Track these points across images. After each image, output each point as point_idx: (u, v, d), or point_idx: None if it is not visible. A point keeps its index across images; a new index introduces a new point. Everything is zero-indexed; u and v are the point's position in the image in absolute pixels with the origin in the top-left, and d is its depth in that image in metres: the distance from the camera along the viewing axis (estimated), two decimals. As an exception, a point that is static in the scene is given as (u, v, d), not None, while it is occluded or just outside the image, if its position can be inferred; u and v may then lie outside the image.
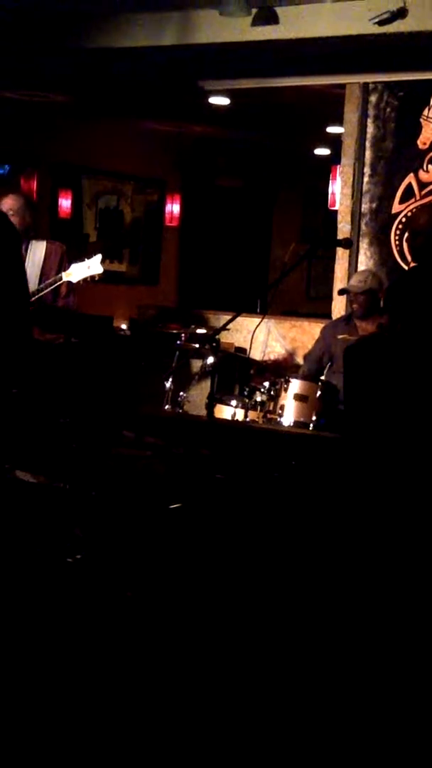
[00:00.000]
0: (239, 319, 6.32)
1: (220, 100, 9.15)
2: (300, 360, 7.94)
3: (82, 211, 10.90)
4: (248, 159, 12.19)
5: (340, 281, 7.81)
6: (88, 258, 6.31)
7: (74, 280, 6.31)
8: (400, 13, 6.48)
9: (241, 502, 4.68)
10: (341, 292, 7.32)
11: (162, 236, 11.68)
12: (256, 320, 7.20)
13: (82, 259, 6.33)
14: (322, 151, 11.56)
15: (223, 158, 12.03)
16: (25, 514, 4.43)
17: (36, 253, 6.43)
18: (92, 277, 6.32)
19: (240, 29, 6.97)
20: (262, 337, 8.10)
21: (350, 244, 7.36)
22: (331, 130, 10.05)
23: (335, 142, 9.70)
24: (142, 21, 7.37)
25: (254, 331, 6.61)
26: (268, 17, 6.82)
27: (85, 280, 6.31)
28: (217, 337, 6.21)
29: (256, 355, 7.81)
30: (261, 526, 4.53)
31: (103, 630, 3.82)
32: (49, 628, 3.80)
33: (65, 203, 10.54)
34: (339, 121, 8.41)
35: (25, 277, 4.60)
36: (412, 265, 7.43)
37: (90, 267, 6.30)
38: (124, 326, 10.11)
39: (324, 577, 4.31)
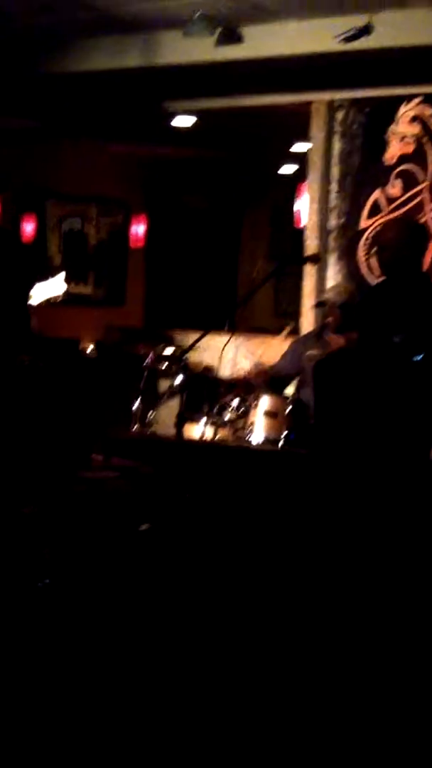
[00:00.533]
0: (208, 337, 6.29)
1: (185, 120, 9.12)
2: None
3: (45, 234, 10.84)
4: (214, 178, 12.17)
5: (308, 297, 7.80)
6: (51, 277, 6.23)
7: (35, 303, 6.21)
8: (366, 30, 6.46)
9: (211, 521, 4.64)
10: (318, 305, 7.28)
11: (127, 257, 11.63)
12: (225, 338, 7.15)
13: (45, 279, 6.24)
14: (289, 169, 11.56)
15: (188, 178, 12.00)
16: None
17: None
18: (55, 297, 6.22)
19: (204, 50, 6.94)
20: (230, 354, 8.04)
21: (318, 259, 7.36)
22: (297, 147, 10.05)
23: (301, 159, 9.71)
24: (106, 44, 7.34)
25: (223, 349, 6.55)
26: (232, 37, 6.81)
27: (48, 300, 6.22)
28: (185, 356, 6.15)
29: (225, 372, 7.74)
30: (231, 543, 4.49)
31: (73, 653, 3.75)
32: (19, 653, 3.73)
33: (28, 227, 10.47)
34: (305, 139, 8.41)
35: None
36: (380, 279, 7.45)
37: (52, 287, 6.21)
38: (90, 348, 10.03)
39: (299, 589, 4.28)
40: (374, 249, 7.38)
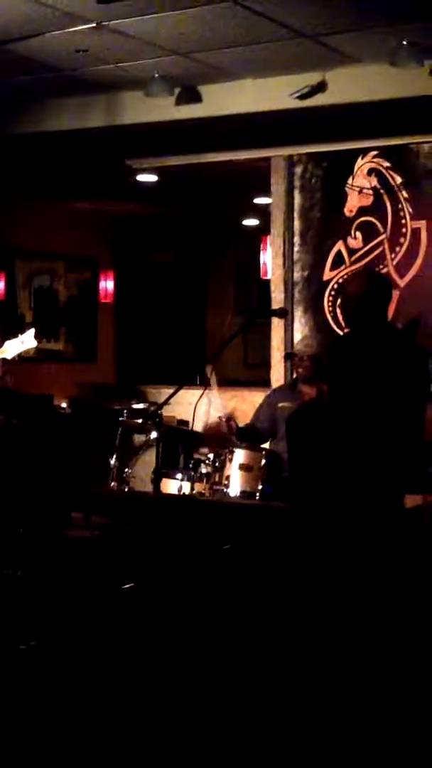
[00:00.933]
0: (180, 391, 6.37)
1: (148, 177, 9.27)
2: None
3: (16, 292, 10.93)
4: (179, 233, 12.32)
5: (276, 349, 7.91)
6: (21, 333, 6.31)
7: (9, 357, 6.28)
8: (320, 87, 6.66)
9: (194, 577, 4.68)
10: (287, 356, 7.40)
11: (97, 313, 11.74)
12: (197, 392, 7.23)
13: (15, 335, 6.32)
14: (251, 222, 11.72)
15: (154, 233, 12.15)
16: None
17: None
18: (26, 351, 6.30)
19: (165, 109, 7.12)
20: (203, 408, 8.14)
21: (285, 313, 7.46)
22: (259, 200, 10.21)
23: (263, 212, 9.85)
24: (68, 105, 7.49)
25: (196, 404, 6.64)
26: (191, 96, 7.00)
27: (19, 355, 6.30)
28: (159, 411, 6.24)
29: (198, 426, 7.83)
30: (215, 599, 4.53)
31: (55, 717, 3.78)
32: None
33: (-1, 285, 10.57)
34: (266, 192, 8.56)
35: None
36: (346, 330, 7.57)
37: (24, 342, 6.28)
38: (64, 404, 10.09)
39: (282, 645, 4.33)
40: (339, 300, 7.51)
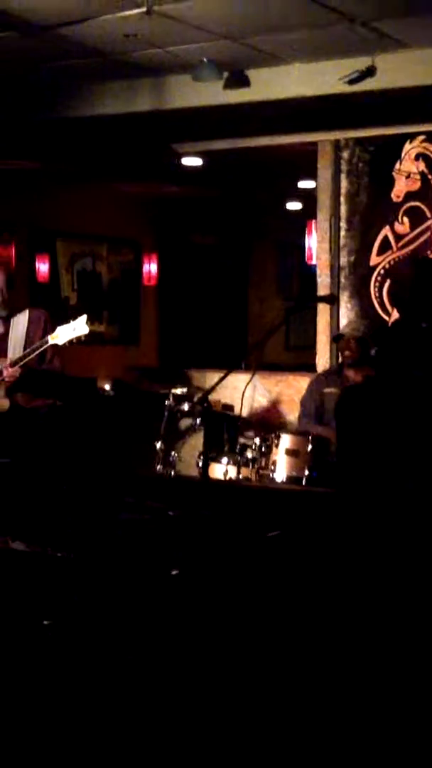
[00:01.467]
0: (221, 374, 6.39)
1: (193, 161, 9.28)
2: (286, 414, 7.99)
3: (58, 274, 10.98)
4: (221, 215, 12.32)
5: (323, 333, 7.90)
6: (73, 320, 6.36)
7: (60, 343, 6.33)
8: (369, 72, 6.62)
9: (240, 564, 4.70)
10: (336, 338, 7.38)
11: (140, 296, 11.77)
12: (241, 376, 7.25)
13: (67, 322, 6.37)
14: (294, 205, 11.71)
15: (197, 216, 12.15)
16: (20, 584, 4.43)
17: (20, 320, 6.47)
18: (78, 338, 6.36)
19: (213, 93, 7.10)
20: (248, 392, 8.15)
21: (334, 300, 7.46)
22: (303, 184, 10.20)
23: (307, 196, 9.84)
24: (115, 89, 7.49)
25: (244, 390, 6.65)
26: (240, 81, 6.97)
27: (71, 341, 6.35)
28: (207, 396, 6.26)
29: (242, 411, 7.85)
30: (262, 586, 4.55)
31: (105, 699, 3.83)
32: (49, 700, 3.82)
33: (43, 267, 10.62)
34: (310, 175, 8.55)
35: None
36: (394, 316, 7.57)
37: (75, 329, 6.33)
38: (107, 387, 10.13)
39: (327, 631, 4.34)
40: (387, 285, 7.50)
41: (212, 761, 3.60)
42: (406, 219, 7.64)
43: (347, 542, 4.78)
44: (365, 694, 3.99)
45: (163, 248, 11.90)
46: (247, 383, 6.62)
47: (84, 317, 6.31)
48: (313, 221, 8.25)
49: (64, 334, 6.27)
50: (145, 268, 11.65)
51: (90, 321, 6.77)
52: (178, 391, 7.51)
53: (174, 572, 4.50)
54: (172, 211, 11.93)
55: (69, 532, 4.80)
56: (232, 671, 4.05)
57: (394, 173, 7.68)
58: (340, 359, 7.27)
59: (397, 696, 4.00)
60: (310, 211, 8.76)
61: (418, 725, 3.80)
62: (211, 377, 8.76)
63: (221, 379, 6.00)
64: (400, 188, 7.67)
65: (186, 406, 7.11)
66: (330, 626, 4.37)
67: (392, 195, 7.69)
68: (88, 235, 11.23)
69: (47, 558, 4.59)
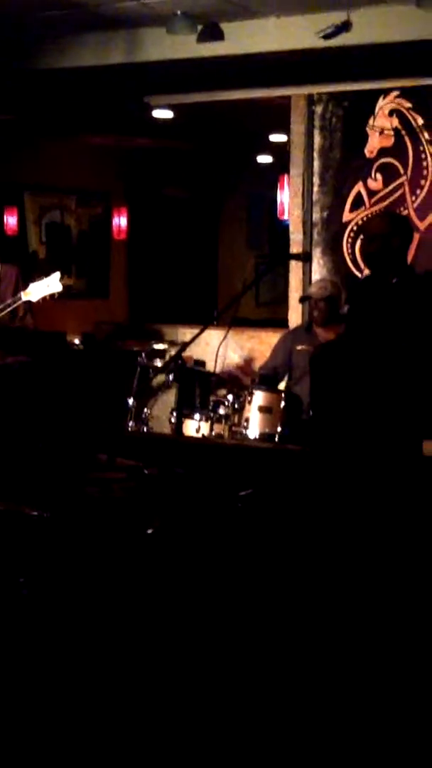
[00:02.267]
0: (194, 330, 6.38)
1: (164, 113, 9.19)
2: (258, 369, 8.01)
3: (26, 227, 10.88)
4: (192, 168, 12.24)
5: (295, 290, 7.90)
6: (47, 276, 6.32)
7: (33, 300, 6.30)
8: (344, 27, 6.57)
9: (216, 522, 4.72)
10: (302, 299, 7.39)
11: (110, 249, 11.69)
12: (213, 332, 7.24)
13: (40, 278, 6.34)
14: (266, 159, 11.65)
15: (167, 168, 12.06)
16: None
17: None
18: (51, 294, 6.33)
19: (186, 46, 7.02)
20: (220, 349, 8.17)
21: (309, 258, 7.44)
22: (275, 138, 10.14)
23: (278, 149, 9.79)
24: (89, 41, 7.40)
25: (219, 346, 6.64)
26: (214, 34, 6.88)
27: (44, 298, 6.32)
28: (181, 353, 6.25)
29: (214, 367, 7.86)
30: (236, 545, 4.57)
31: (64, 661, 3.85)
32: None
33: (11, 221, 10.51)
34: (282, 129, 8.49)
35: None
36: (366, 273, 7.56)
37: (49, 285, 6.31)
38: (76, 341, 10.09)
39: (301, 588, 4.38)
40: (359, 242, 7.49)
41: (191, 730, 3.63)
42: (379, 175, 7.63)
43: (321, 499, 4.81)
44: (346, 651, 4.04)
45: (132, 201, 11.81)
46: (221, 341, 6.60)
47: (57, 274, 6.28)
48: (286, 176, 8.21)
49: (37, 290, 6.24)
50: (115, 221, 11.57)
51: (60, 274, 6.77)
52: (155, 347, 7.51)
53: (149, 531, 4.51)
54: (142, 164, 11.83)
55: (44, 491, 4.79)
56: (207, 629, 4.08)
57: (367, 129, 7.65)
58: (310, 318, 7.28)
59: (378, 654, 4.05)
60: (281, 165, 8.72)
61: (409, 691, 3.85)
62: (183, 332, 8.75)
63: (196, 336, 5.99)
64: (373, 144, 7.64)
65: (158, 363, 7.11)
66: (304, 582, 4.41)
67: (365, 151, 7.67)
68: (56, 188, 11.12)
69: (22, 517, 4.58)
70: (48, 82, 8.07)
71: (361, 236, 7.08)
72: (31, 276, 6.41)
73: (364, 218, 7.57)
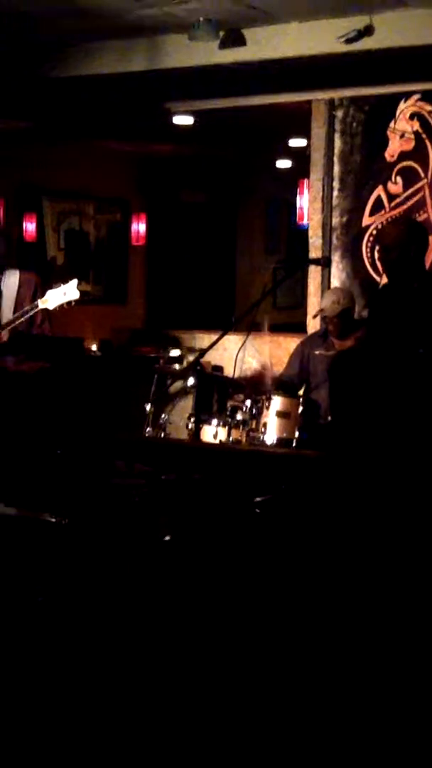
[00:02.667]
0: (212, 336, 6.34)
1: (184, 119, 9.18)
2: (276, 375, 7.97)
3: (45, 233, 10.88)
4: (210, 173, 12.22)
5: (313, 295, 7.87)
6: (64, 283, 6.30)
7: (51, 307, 6.29)
8: (367, 31, 6.54)
9: (234, 528, 4.70)
10: (316, 315, 7.35)
11: (128, 255, 11.68)
12: (232, 338, 7.21)
13: (57, 285, 6.32)
14: (284, 163, 11.62)
15: (185, 174, 12.04)
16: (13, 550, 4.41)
17: (10, 282, 6.42)
18: (69, 302, 6.31)
19: (208, 52, 7.01)
20: (238, 354, 8.14)
21: (329, 263, 7.41)
22: (294, 142, 10.11)
23: (297, 154, 9.76)
24: (111, 48, 7.39)
25: (238, 351, 6.60)
26: (235, 40, 6.87)
27: (61, 306, 6.30)
28: (200, 359, 6.23)
29: (233, 372, 7.82)
30: (253, 551, 4.55)
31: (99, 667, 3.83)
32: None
33: (30, 227, 10.51)
34: (301, 133, 8.46)
35: None
36: (384, 280, 7.54)
37: (66, 293, 6.29)
38: (94, 347, 10.09)
39: (316, 592, 4.35)
40: (377, 249, 7.45)
41: (205, 737, 3.60)
42: (399, 179, 7.58)
43: (339, 505, 4.78)
44: (360, 661, 4.00)
45: (151, 207, 11.79)
46: (241, 346, 6.57)
47: (74, 281, 6.26)
48: (305, 180, 8.18)
49: (54, 298, 6.22)
50: (134, 227, 11.55)
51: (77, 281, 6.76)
52: (172, 353, 7.48)
53: (167, 537, 4.49)
54: (160, 170, 11.82)
55: (62, 497, 4.78)
56: (224, 636, 4.05)
57: (388, 133, 7.61)
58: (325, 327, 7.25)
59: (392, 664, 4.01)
60: (299, 169, 8.68)
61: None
62: (200, 338, 8.73)
63: (215, 342, 5.95)
64: (394, 148, 7.60)
65: (176, 368, 7.08)
66: (321, 589, 4.38)
67: (386, 155, 7.62)
68: (75, 194, 11.12)
69: (40, 523, 4.57)
70: (68, 89, 8.06)
71: (378, 246, 7.07)
72: (49, 283, 6.39)
73: (384, 222, 7.53)
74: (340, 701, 3.83)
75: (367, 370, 5.51)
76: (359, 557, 4.57)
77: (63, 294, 6.27)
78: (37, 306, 6.22)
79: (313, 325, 7.85)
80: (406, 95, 7.53)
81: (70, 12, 6.71)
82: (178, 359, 7.71)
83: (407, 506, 4.81)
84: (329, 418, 6.36)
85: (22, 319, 6.22)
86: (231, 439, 6.56)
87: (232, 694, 3.78)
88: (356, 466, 5.07)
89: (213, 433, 6.67)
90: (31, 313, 6.24)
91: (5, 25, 6.95)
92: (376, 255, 7.56)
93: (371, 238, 7.66)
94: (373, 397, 5.25)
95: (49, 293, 6.26)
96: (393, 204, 7.60)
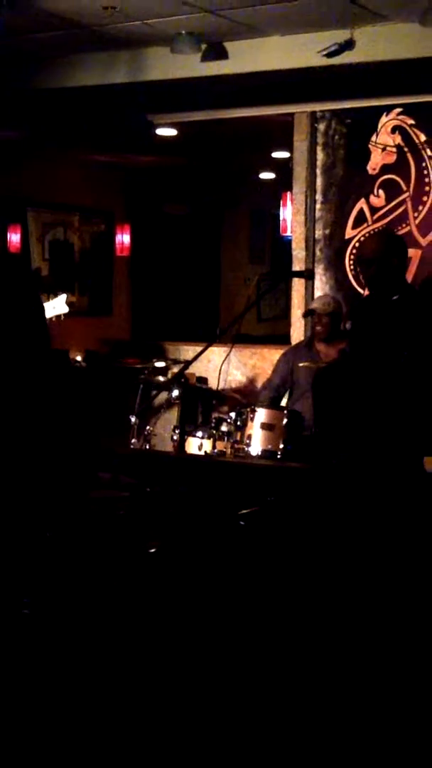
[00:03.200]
0: (196, 347, 6.38)
1: (168, 131, 9.22)
2: (260, 386, 8.01)
3: (29, 245, 10.89)
4: (194, 184, 12.25)
5: (297, 307, 7.91)
6: (53, 297, 6.33)
7: None
8: (348, 45, 6.59)
9: (220, 541, 4.71)
10: (307, 313, 7.40)
11: (113, 266, 11.70)
12: (216, 349, 7.25)
13: (46, 299, 6.35)
14: (268, 175, 11.67)
15: (169, 185, 12.08)
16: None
17: None
18: (57, 316, 6.34)
19: (190, 65, 7.05)
20: (222, 366, 8.19)
21: (312, 275, 7.46)
22: (277, 154, 10.16)
23: (281, 166, 9.80)
24: (92, 61, 7.42)
25: (222, 363, 6.65)
26: (218, 53, 6.93)
27: (50, 319, 6.32)
28: (184, 371, 6.26)
29: (216, 383, 7.87)
30: (239, 564, 4.56)
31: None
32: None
33: (14, 238, 10.52)
34: (285, 146, 8.51)
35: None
36: (367, 292, 7.60)
37: (55, 307, 6.33)
38: (79, 358, 10.10)
39: (308, 602, 4.36)
40: (357, 262, 7.50)
41: (197, 746, 3.62)
42: (381, 192, 7.64)
43: (326, 518, 4.81)
44: (353, 672, 4.02)
45: (135, 218, 11.82)
46: (224, 359, 6.61)
47: (64, 296, 6.30)
48: (288, 193, 8.23)
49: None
50: (118, 238, 11.56)
51: (62, 291, 6.79)
52: (157, 364, 7.51)
53: (151, 550, 4.50)
54: (144, 181, 11.84)
55: (46, 509, 4.78)
56: (210, 649, 4.07)
57: (370, 146, 7.67)
58: (312, 333, 7.29)
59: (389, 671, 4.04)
60: (283, 181, 8.73)
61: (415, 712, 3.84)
62: (185, 350, 8.76)
63: (199, 354, 5.98)
64: (376, 161, 7.66)
65: (161, 380, 7.11)
66: (307, 601, 4.39)
67: (368, 168, 7.69)
68: (60, 206, 11.13)
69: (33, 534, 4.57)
70: (52, 101, 8.10)
71: (359, 259, 7.14)
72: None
73: (366, 234, 7.58)
74: (328, 715, 3.85)
75: (349, 381, 5.55)
76: (346, 569, 4.59)
77: (52, 308, 6.30)
78: None
79: (296, 336, 7.90)
80: (388, 108, 7.60)
81: (53, 23, 6.74)
82: (163, 370, 7.74)
83: (390, 516, 4.84)
84: (313, 429, 6.39)
85: None
86: (216, 450, 6.60)
87: (221, 707, 3.80)
88: (340, 476, 5.10)
89: (198, 444, 6.71)
90: None
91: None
92: (357, 269, 7.62)
93: (354, 251, 7.71)
94: (355, 408, 5.29)
95: None
96: (375, 217, 7.66)
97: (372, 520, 4.79)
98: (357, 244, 7.68)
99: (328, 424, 5.54)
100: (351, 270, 7.72)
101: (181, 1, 6.19)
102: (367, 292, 7.56)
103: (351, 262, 7.73)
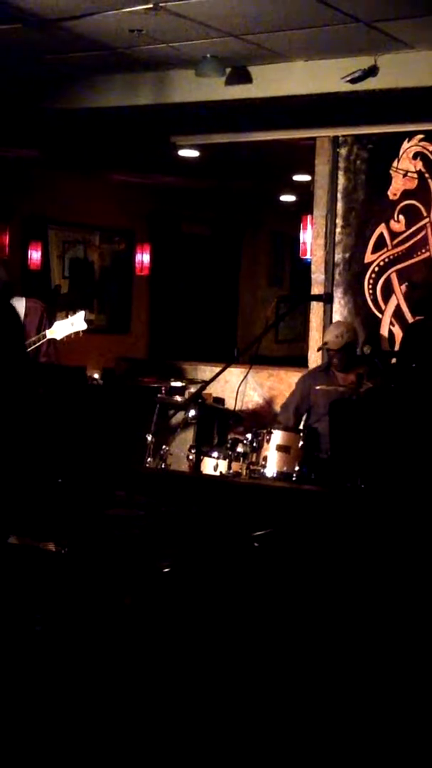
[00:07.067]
0: (214, 368, 6.40)
1: (190, 153, 9.28)
2: (277, 409, 8.01)
3: (49, 262, 10.96)
4: (215, 205, 12.32)
5: (315, 330, 7.92)
6: (72, 314, 6.36)
7: (58, 338, 6.34)
8: (371, 71, 6.63)
9: (233, 562, 4.72)
10: (320, 348, 7.41)
11: (132, 285, 11.76)
12: (233, 370, 7.26)
13: (65, 316, 6.38)
14: (288, 198, 11.72)
15: (190, 206, 12.14)
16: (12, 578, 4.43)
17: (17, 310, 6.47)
18: (75, 333, 6.37)
19: (214, 89, 7.11)
20: (239, 387, 8.21)
21: (330, 300, 7.48)
22: (298, 177, 10.21)
23: (301, 189, 9.85)
24: (117, 82, 7.49)
25: (240, 384, 6.67)
26: (242, 77, 6.98)
27: (68, 336, 6.36)
28: (201, 392, 6.28)
29: (233, 404, 7.87)
30: (253, 585, 4.57)
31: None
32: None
33: (35, 255, 10.60)
34: (306, 169, 8.54)
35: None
36: (388, 313, 7.63)
37: (74, 324, 6.34)
38: (96, 376, 10.14)
39: (320, 625, 4.37)
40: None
41: (208, 758, 3.63)
42: (401, 217, 7.67)
43: (344, 541, 4.81)
44: (361, 691, 4.03)
45: (156, 238, 11.88)
46: (242, 380, 6.63)
47: (82, 313, 6.32)
48: (309, 216, 8.26)
49: (62, 329, 6.28)
50: (138, 257, 11.64)
51: (81, 309, 6.84)
52: (174, 384, 7.52)
53: (165, 569, 4.51)
54: (165, 201, 11.92)
55: (62, 527, 4.80)
56: (224, 668, 4.08)
57: (391, 171, 7.70)
58: (328, 359, 7.30)
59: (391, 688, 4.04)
60: (303, 203, 8.77)
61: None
62: (203, 370, 8.79)
63: (217, 374, 6.00)
64: (397, 186, 7.69)
65: (178, 399, 7.12)
66: (319, 623, 4.40)
67: (389, 193, 7.72)
68: (80, 224, 11.21)
69: (40, 553, 4.59)
70: (76, 121, 8.17)
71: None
72: (53, 310, 6.44)
73: (386, 259, 7.61)
74: (331, 731, 3.85)
75: (369, 412, 5.54)
76: (358, 592, 4.59)
77: (71, 324, 6.33)
78: (44, 336, 6.28)
79: (314, 359, 7.91)
80: (410, 135, 7.64)
81: (80, 45, 6.80)
82: (180, 390, 7.76)
83: (414, 545, 4.84)
84: (329, 453, 6.40)
85: (29, 349, 6.26)
86: (231, 471, 6.60)
87: (229, 724, 3.81)
88: (368, 502, 5.10)
89: (213, 465, 6.71)
90: (39, 344, 6.30)
91: (15, 57, 7.05)
92: (378, 290, 7.65)
93: (373, 275, 7.74)
94: (397, 433, 5.27)
95: (57, 324, 6.31)
96: (395, 242, 7.68)
97: (396, 549, 4.80)
98: (377, 268, 7.70)
99: (344, 450, 5.53)
100: (370, 294, 7.75)
101: (206, 24, 6.24)
102: (385, 317, 7.62)
103: (370, 286, 7.75)
